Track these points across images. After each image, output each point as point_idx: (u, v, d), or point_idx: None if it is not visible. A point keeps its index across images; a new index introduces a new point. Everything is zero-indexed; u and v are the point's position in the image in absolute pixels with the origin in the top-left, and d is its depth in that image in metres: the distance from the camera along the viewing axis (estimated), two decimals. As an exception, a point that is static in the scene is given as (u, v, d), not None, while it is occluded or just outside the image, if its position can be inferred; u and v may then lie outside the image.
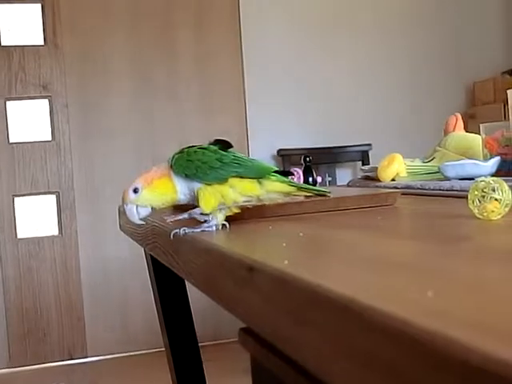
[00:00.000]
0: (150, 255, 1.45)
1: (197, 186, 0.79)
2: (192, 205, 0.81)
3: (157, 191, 0.80)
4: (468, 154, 1.38)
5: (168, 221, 0.80)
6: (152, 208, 0.81)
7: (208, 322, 3.23)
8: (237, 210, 0.81)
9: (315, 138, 3.65)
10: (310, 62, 3.69)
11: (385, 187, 1.28)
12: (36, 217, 3.33)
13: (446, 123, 1.50)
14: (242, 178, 0.79)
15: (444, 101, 3.86)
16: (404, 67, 3.84)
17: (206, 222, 0.78)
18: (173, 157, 0.82)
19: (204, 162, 0.79)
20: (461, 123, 1.49)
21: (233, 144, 0.84)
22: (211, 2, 3.49)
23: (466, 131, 1.50)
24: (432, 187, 1.15)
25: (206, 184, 0.79)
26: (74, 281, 3.32)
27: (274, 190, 0.81)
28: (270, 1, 3.64)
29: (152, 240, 1.03)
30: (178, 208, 0.92)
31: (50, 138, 3.31)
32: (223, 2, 3.51)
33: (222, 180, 0.79)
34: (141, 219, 0.81)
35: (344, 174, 3.69)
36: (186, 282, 1.50)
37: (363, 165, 3.43)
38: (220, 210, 0.79)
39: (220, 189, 0.78)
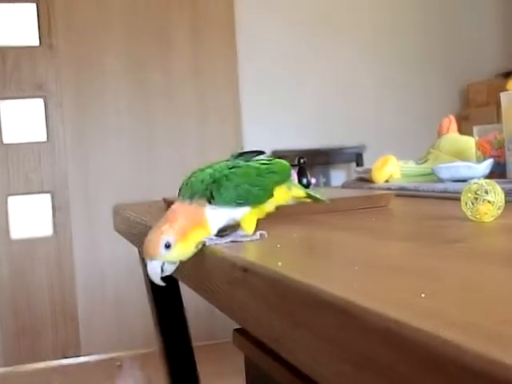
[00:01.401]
0: (144, 255, 1.45)
1: (240, 212, 0.69)
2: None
3: (192, 244, 0.67)
4: (461, 156, 1.39)
5: (208, 244, 0.67)
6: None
7: (201, 322, 3.23)
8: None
9: (310, 140, 3.66)
10: (304, 63, 3.70)
11: (379, 189, 1.28)
12: (30, 217, 3.32)
13: (440, 125, 1.50)
14: (277, 185, 0.74)
15: (438, 103, 3.87)
16: (398, 69, 3.85)
17: (237, 231, 0.70)
18: (205, 188, 0.68)
19: (251, 183, 0.69)
20: (454, 125, 1.49)
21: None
22: (207, 3, 3.49)
23: (460, 133, 1.50)
24: (425, 189, 1.16)
25: (254, 207, 0.70)
26: (68, 281, 3.31)
27: (297, 196, 0.78)
28: (265, 2, 3.64)
29: (146, 240, 1.03)
30: None
31: (44, 138, 3.30)
32: (219, 4, 3.51)
33: (270, 197, 0.72)
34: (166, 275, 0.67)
35: (338, 176, 3.70)
36: (180, 283, 1.50)
37: (357, 166, 3.44)
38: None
39: (263, 206, 0.72)
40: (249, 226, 0.69)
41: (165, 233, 0.65)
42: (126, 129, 3.40)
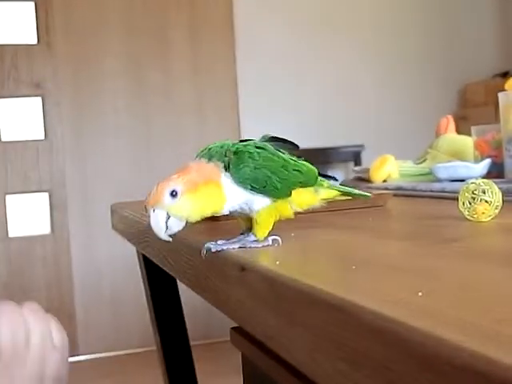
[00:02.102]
0: (142, 254, 1.45)
1: (260, 201, 0.63)
2: (226, 216, 0.65)
3: (202, 201, 0.60)
4: (459, 156, 1.39)
5: (214, 250, 0.61)
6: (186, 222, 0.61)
7: (199, 321, 3.22)
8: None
9: (307, 139, 3.66)
10: (303, 63, 3.70)
11: (376, 188, 1.28)
12: (28, 215, 3.32)
13: (438, 125, 1.50)
14: (300, 187, 0.67)
15: (436, 103, 3.87)
16: (397, 69, 3.85)
17: (242, 234, 0.64)
18: (224, 154, 0.62)
19: (273, 171, 0.62)
20: (452, 125, 1.49)
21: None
22: (206, 2, 3.49)
23: (458, 133, 1.50)
24: (423, 189, 1.16)
25: (273, 201, 0.63)
26: (66, 279, 3.31)
27: (327, 197, 0.71)
28: (264, 2, 3.64)
29: (144, 239, 1.03)
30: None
31: (42, 137, 3.30)
32: (217, 3, 3.51)
33: (289, 196, 0.65)
34: (173, 234, 0.60)
35: (336, 175, 3.69)
36: (178, 282, 1.50)
37: (355, 166, 3.44)
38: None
39: (281, 206, 0.64)
40: (264, 225, 0.62)
41: (173, 181, 0.59)
42: (124, 128, 3.40)
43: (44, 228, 3.31)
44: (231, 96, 3.55)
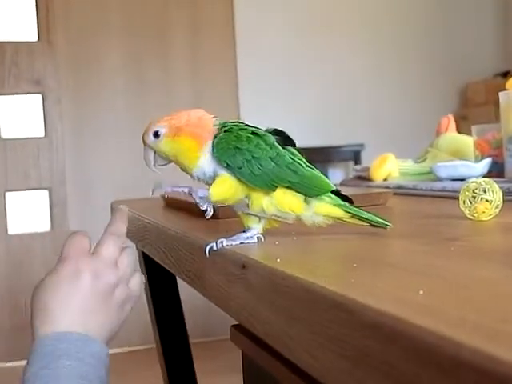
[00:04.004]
0: (142, 252, 1.45)
1: (225, 174, 0.63)
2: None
3: (177, 149, 0.64)
4: (460, 155, 1.39)
5: (215, 248, 0.62)
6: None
7: (198, 319, 3.23)
8: (276, 224, 0.66)
9: (308, 138, 3.66)
10: (303, 62, 3.69)
11: (377, 187, 1.29)
12: (28, 212, 3.32)
13: (439, 124, 1.50)
14: (288, 188, 0.63)
15: (436, 102, 3.87)
16: (397, 68, 3.85)
17: (244, 232, 0.65)
18: (221, 128, 0.64)
19: (256, 157, 0.62)
20: (453, 124, 1.49)
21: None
22: (206, 1, 3.49)
23: (458, 133, 1.50)
24: (424, 187, 1.16)
25: (238, 178, 0.62)
26: (65, 277, 3.31)
27: (322, 213, 0.64)
28: (264, 0, 3.64)
29: (144, 236, 1.03)
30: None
31: (42, 134, 3.30)
32: (218, 1, 3.51)
33: (270, 189, 0.62)
34: (158, 166, 0.66)
35: (336, 174, 3.70)
36: (178, 279, 1.50)
37: (355, 165, 3.44)
38: (260, 219, 0.65)
39: (266, 199, 0.63)
40: (217, 191, 0.62)
41: (160, 122, 0.64)
42: (125, 126, 3.40)
43: (44, 225, 3.31)
44: (231, 95, 3.55)
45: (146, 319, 1.69)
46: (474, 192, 0.71)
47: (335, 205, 0.64)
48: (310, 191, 0.63)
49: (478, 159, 1.27)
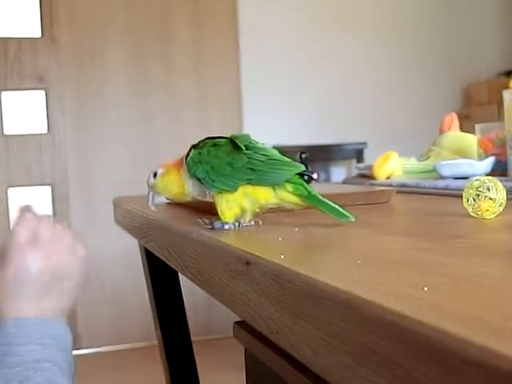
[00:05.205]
0: (145, 248, 1.45)
1: (210, 191, 0.75)
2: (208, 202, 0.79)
3: (167, 182, 0.78)
4: (463, 154, 1.39)
5: (194, 235, 0.73)
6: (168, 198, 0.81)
7: (200, 317, 3.23)
8: (263, 210, 0.76)
9: (310, 136, 3.66)
10: (306, 59, 3.69)
11: (380, 185, 1.28)
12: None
13: (442, 122, 1.50)
14: (249, 184, 0.73)
15: (439, 101, 3.87)
16: (400, 67, 3.85)
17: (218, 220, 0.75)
18: (192, 147, 0.78)
19: (213, 166, 0.74)
20: (456, 123, 1.49)
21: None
22: (209, -3, 3.49)
23: (461, 131, 1.50)
24: (427, 186, 1.16)
25: (218, 192, 0.74)
26: (67, 273, 3.31)
27: (287, 200, 0.74)
28: (267, -3, 3.64)
29: (147, 233, 1.03)
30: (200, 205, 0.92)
31: (45, 130, 3.30)
32: (221, -3, 3.51)
33: (232, 188, 0.73)
34: (155, 205, 0.81)
35: (338, 172, 3.70)
36: (180, 277, 1.50)
37: (358, 163, 3.44)
38: (243, 211, 0.74)
39: (233, 197, 0.73)
40: (224, 216, 0.73)
41: (160, 165, 0.80)
42: (127, 122, 3.40)
43: (46, 222, 3.31)
44: (234, 91, 3.55)
45: (148, 316, 1.69)
46: (477, 190, 0.71)
47: (295, 194, 0.72)
48: (270, 182, 0.72)
49: (481, 158, 1.27)
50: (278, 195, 0.73)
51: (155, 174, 0.78)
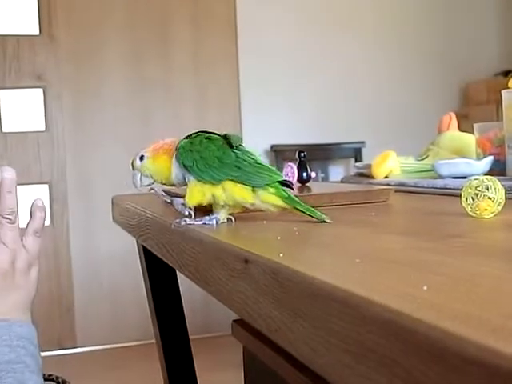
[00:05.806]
0: (143, 246, 1.45)
1: (190, 177, 0.78)
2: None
3: (156, 166, 0.82)
4: (461, 153, 1.39)
5: (182, 224, 0.78)
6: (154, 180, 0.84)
7: (198, 315, 3.23)
8: (239, 210, 0.79)
9: (308, 135, 3.66)
10: (305, 58, 3.69)
11: (378, 184, 1.28)
12: (28, 207, 3.31)
13: (440, 122, 1.50)
14: (233, 180, 0.76)
15: (438, 100, 3.87)
16: (398, 66, 3.85)
17: (208, 215, 0.77)
18: (185, 137, 0.81)
19: (203, 156, 0.77)
20: (455, 122, 1.49)
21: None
22: (208, -5, 3.49)
23: (460, 131, 1.50)
24: (425, 185, 1.16)
25: (199, 180, 0.77)
26: (65, 272, 3.31)
27: (267, 201, 0.76)
28: (266, -4, 3.64)
29: (145, 231, 1.03)
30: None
31: (43, 128, 3.30)
32: (220, -4, 3.51)
33: (216, 181, 0.76)
34: (143, 186, 0.84)
35: (337, 171, 3.70)
36: (178, 275, 1.50)
37: (356, 162, 3.44)
38: (223, 206, 0.77)
39: (212, 188, 0.76)
40: (189, 199, 0.77)
41: (145, 149, 0.84)
42: (125, 120, 3.40)
43: (44, 220, 3.31)
44: (232, 90, 3.55)
45: (146, 314, 1.69)
46: (476, 189, 0.71)
47: (277, 195, 0.76)
48: (252, 183, 0.75)
49: (479, 157, 1.27)
50: (258, 196, 0.76)
51: (142, 157, 0.83)
